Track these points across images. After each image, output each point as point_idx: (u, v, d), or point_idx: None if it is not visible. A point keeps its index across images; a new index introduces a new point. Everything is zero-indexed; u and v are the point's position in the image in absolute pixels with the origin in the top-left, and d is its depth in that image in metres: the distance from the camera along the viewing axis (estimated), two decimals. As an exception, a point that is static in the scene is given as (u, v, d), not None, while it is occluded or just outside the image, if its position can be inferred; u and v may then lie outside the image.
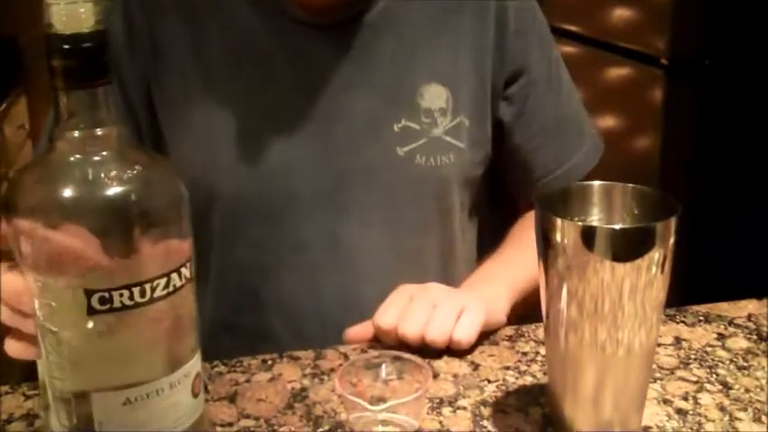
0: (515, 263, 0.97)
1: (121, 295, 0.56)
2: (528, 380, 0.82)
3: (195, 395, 0.62)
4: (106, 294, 0.56)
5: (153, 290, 0.57)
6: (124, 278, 0.56)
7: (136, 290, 0.56)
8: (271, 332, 0.92)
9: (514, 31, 0.97)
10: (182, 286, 0.59)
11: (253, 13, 0.93)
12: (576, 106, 1.06)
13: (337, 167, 0.93)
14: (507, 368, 0.83)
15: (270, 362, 0.84)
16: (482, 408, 0.77)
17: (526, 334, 0.90)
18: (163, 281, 0.58)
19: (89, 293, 0.55)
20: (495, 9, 0.96)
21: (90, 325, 0.56)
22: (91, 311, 0.56)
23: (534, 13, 1.01)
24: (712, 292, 1.12)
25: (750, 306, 0.96)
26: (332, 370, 0.83)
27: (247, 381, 0.81)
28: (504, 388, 0.80)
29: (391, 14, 0.94)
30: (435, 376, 0.81)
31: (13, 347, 0.61)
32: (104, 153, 0.57)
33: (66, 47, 0.54)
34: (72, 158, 0.57)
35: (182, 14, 0.93)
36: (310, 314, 0.95)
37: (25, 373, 0.72)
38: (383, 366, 0.74)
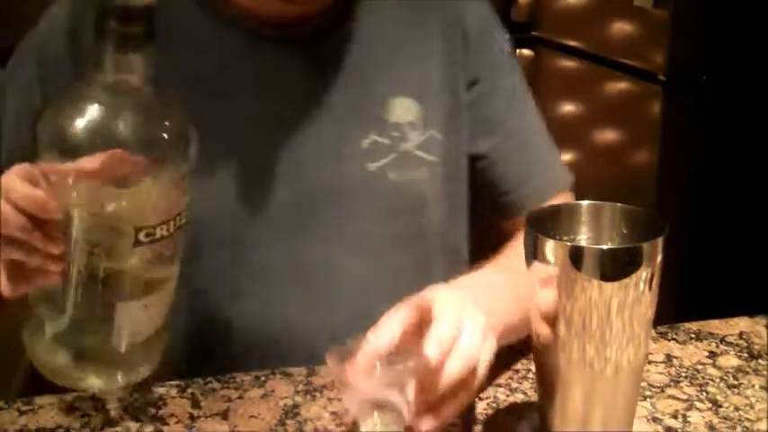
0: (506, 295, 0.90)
1: (162, 229, 0.67)
2: (519, 397, 0.82)
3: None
4: (151, 229, 0.66)
5: (179, 222, 0.69)
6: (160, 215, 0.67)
7: (171, 223, 0.67)
8: (247, 356, 0.90)
9: (473, 41, 0.97)
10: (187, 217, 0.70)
11: (213, 28, 0.91)
12: (540, 125, 1.04)
13: (303, 186, 0.91)
14: (499, 385, 0.84)
15: (263, 378, 0.85)
16: (472, 426, 0.78)
17: (518, 351, 0.90)
18: (185, 214, 0.69)
19: (138, 230, 0.66)
20: (457, 20, 0.96)
21: (133, 255, 0.67)
22: (137, 244, 0.66)
23: (494, 26, 1.01)
24: (707, 307, 1.13)
25: (742, 324, 0.96)
26: (324, 387, 0.83)
27: (240, 397, 0.82)
28: (494, 405, 0.81)
29: (358, 29, 0.93)
30: (427, 393, 0.82)
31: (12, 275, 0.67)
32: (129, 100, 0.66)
33: (125, 14, 0.62)
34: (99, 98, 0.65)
35: None
36: (282, 338, 0.91)
37: (20, 390, 0.73)
38: None
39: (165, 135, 0.68)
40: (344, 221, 0.93)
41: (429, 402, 0.69)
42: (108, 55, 0.63)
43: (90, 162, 0.65)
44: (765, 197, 1.94)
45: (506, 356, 0.88)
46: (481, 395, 0.82)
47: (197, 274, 0.92)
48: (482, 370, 0.72)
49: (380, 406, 0.68)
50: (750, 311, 0.99)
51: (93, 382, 0.72)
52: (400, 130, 0.93)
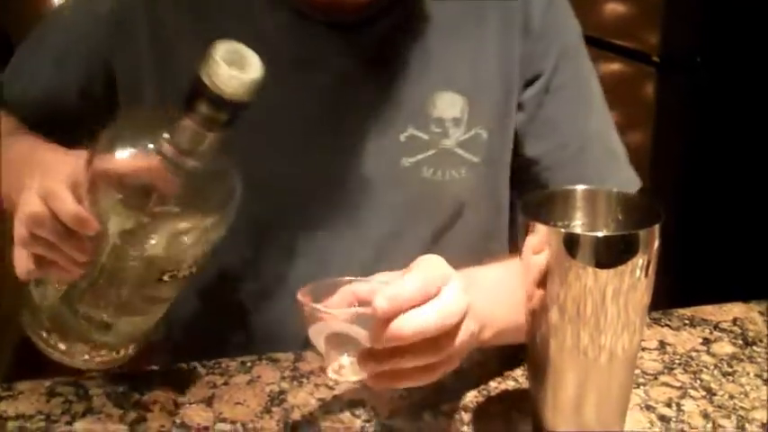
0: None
1: (184, 270, 0.69)
2: (510, 384, 0.81)
3: None
4: (175, 272, 0.68)
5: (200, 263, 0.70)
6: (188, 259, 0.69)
7: (194, 267, 0.69)
8: (255, 339, 0.89)
9: (537, 35, 0.91)
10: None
11: (263, 4, 0.88)
12: (607, 128, 0.96)
13: (334, 174, 0.88)
14: (489, 372, 0.82)
15: (249, 364, 0.83)
16: (463, 413, 0.76)
17: (509, 337, 0.88)
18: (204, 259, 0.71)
19: (163, 272, 0.68)
20: (521, 12, 0.90)
21: (152, 286, 0.69)
22: (160, 281, 0.69)
23: (563, 19, 0.95)
24: (699, 292, 1.12)
25: (736, 309, 0.95)
26: (311, 372, 0.82)
27: (225, 383, 0.80)
28: (485, 392, 0.79)
29: (410, 19, 0.89)
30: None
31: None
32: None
33: (218, 103, 0.62)
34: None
35: (192, 14, 0.88)
36: (293, 323, 0.90)
37: (5, 376, 0.72)
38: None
39: (209, 191, 0.69)
40: (370, 216, 0.89)
41: (376, 353, 0.64)
42: (187, 126, 0.64)
43: (127, 163, 0.65)
44: (759, 180, 1.93)
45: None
46: (471, 382, 0.80)
47: (220, 252, 0.89)
48: (456, 343, 0.65)
49: (347, 342, 0.66)
50: (744, 296, 0.98)
51: (61, 356, 0.72)
52: (442, 126, 0.88)
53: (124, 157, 0.65)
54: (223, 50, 0.61)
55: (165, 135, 0.64)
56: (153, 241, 0.66)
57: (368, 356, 0.64)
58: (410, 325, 0.62)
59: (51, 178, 0.67)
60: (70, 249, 0.66)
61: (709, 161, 2.01)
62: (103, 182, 0.65)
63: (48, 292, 0.71)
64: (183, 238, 0.67)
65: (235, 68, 0.61)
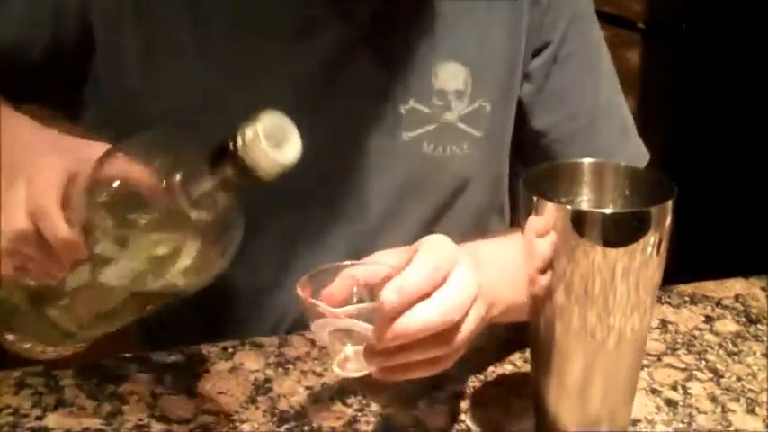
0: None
1: (167, 299, 0.66)
2: (508, 368, 0.77)
3: None
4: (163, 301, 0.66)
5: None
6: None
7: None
8: (250, 324, 0.85)
9: (546, 4, 0.87)
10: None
11: None
12: (617, 100, 0.94)
13: (331, 151, 0.83)
14: (487, 357, 0.78)
15: (231, 350, 0.79)
16: (460, 400, 0.72)
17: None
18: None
19: (148, 303, 0.66)
20: None
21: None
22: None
23: None
24: (692, 267, 1.09)
25: (737, 286, 0.92)
26: (297, 358, 0.77)
27: (207, 371, 0.75)
28: (482, 378, 0.76)
29: None
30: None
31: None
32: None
33: (245, 174, 0.59)
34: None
35: None
36: (290, 310, 0.86)
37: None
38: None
39: (208, 236, 0.64)
40: (368, 192, 0.85)
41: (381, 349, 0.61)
42: (204, 178, 0.61)
43: (130, 174, 0.61)
44: (749, 148, 1.91)
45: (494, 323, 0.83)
46: (468, 367, 0.76)
47: None
48: (463, 334, 0.62)
49: (351, 335, 0.63)
50: (738, 270, 0.95)
51: (19, 348, 0.69)
52: (444, 99, 0.84)
53: (132, 169, 0.61)
54: (268, 123, 0.59)
55: (179, 176, 0.60)
56: (136, 270, 0.62)
57: (374, 352, 0.61)
58: (415, 323, 0.60)
59: (41, 189, 0.61)
60: (50, 265, 0.62)
61: (696, 129, 1.99)
62: (101, 189, 0.60)
63: (13, 290, 0.67)
64: (176, 279, 0.63)
65: (272, 144, 0.58)
